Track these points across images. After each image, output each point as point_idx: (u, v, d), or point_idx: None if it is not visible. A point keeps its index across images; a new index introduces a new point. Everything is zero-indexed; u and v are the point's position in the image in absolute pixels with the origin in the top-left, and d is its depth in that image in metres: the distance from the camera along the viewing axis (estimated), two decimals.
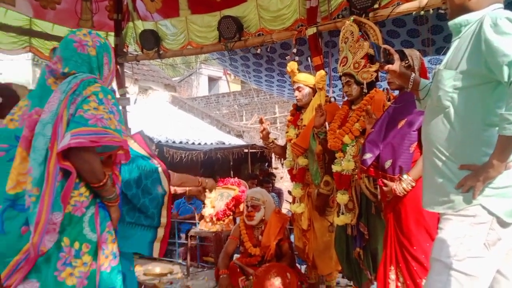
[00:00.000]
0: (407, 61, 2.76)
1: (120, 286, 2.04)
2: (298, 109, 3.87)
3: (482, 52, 1.72)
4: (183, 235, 6.45)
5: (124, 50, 6.14)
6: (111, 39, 6.13)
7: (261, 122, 3.84)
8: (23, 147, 1.91)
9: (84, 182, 1.95)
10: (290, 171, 3.87)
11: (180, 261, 5.77)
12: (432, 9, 3.89)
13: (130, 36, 6.23)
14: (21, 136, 1.92)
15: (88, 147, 1.88)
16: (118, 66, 6.03)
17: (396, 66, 2.15)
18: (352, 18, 3.32)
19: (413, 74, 2.16)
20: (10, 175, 1.88)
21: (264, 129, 3.80)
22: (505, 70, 1.64)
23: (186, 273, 5.10)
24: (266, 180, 7.96)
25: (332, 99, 3.84)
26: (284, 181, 12.19)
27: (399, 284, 2.67)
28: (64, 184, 1.89)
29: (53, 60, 2.08)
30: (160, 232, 2.53)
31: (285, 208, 6.23)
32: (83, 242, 1.93)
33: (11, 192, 1.88)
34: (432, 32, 4.69)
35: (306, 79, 3.71)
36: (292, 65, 3.74)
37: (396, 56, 2.16)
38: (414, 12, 4.00)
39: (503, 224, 1.75)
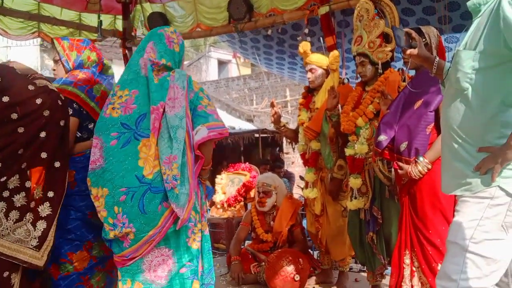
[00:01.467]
0: (424, 39, 2.67)
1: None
2: (310, 92, 3.81)
3: (500, 30, 1.66)
4: None
5: (132, 33, 6.08)
6: (119, 23, 6.07)
7: (272, 105, 3.77)
8: (156, 136, 2.20)
9: None
10: (302, 156, 3.83)
11: None
12: None
13: (138, 19, 6.16)
14: (152, 127, 2.19)
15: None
16: (127, 51, 5.99)
17: (418, 50, 2.06)
18: None
19: (437, 58, 2.08)
20: (148, 162, 2.17)
21: (275, 112, 3.74)
22: None
23: None
24: (277, 165, 7.92)
25: (346, 81, 3.75)
26: (295, 166, 12.17)
27: (414, 268, 2.65)
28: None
29: (147, 49, 2.32)
30: None
31: (297, 193, 6.19)
32: (197, 213, 2.31)
33: (150, 177, 2.17)
34: (449, 9, 4.57)
35: (319, 60, 3.63)
36: (304, 46, 3.65)
37: (419, 40, 2.07)
38: None
39: None
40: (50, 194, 2.21)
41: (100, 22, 5.69)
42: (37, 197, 2.16)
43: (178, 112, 2.21)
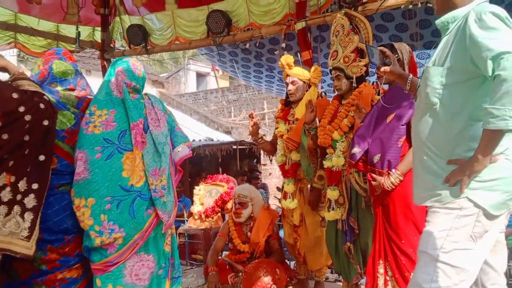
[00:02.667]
0: (396, 55, 2.74)
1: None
2: (287, 104, 3.83)
3: (467, 48, 1.73)
4: None
5: (111, 45, 6.06)
6: (98, 34, 6.04)
7: (251, 117, 3.78)
8: (139, 150, 2.46)
9: None
10: (281, 167, 3.79)
11: None
12: (421, 3, 3.91)
13: (117, 31, 6.13)
14: (134, 141, 2.46)
15: None
16: (105, 62, 5.95)
17: (392, 68, 2.12)
18: (343, 11, 3.30)
19: (411, 75, 2.15)
20: (136, 172, 2.42)
21: (254, 123, 3.74)
22: (489, 64, 1.64)
23: None
24: (255, 176, 7.95)
25: (323, 94, 3.81)
26: (273, 177, 12.21)
27: (387, 277, 2.69)
28: None
29: (117, 72, 2.61)
30: None
31: (273, 204, 6.22)
32: None
33: (138, 185, 2.41)
34: (421, 26, 4.71)
35: (300, 72, 3.64)
36: (287, 58, 3.64)
37: (393, 58, 2.14)
38: (402, 6, 4.03)
39: (489, 216, 1.77)
40: (35, 186, 2.26)
41: (78, 33, 5.66)
42: (22, 190, 2.20)
43: (163, 131, 2.57)
